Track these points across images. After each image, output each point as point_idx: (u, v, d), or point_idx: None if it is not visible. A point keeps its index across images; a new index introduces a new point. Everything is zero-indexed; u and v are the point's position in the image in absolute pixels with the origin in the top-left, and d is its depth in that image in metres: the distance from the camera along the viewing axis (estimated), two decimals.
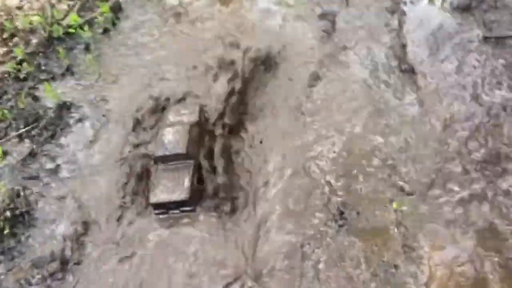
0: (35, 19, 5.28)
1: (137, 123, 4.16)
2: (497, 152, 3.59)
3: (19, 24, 5.58)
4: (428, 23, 4.65)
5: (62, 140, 4.34)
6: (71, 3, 5.84)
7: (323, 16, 4.94)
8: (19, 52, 5.06)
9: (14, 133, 4.41)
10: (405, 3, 4.89)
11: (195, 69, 4.50)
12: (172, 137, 3.66)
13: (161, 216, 3.54)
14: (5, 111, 4.57)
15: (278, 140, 3.91)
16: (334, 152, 3.78)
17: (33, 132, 4.41)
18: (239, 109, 4.01)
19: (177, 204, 3.49)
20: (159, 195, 3.49)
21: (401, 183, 3.52)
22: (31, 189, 4.00)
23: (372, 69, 4.33)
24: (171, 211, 3.51)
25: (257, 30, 4.84)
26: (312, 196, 3.55)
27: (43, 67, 5.08)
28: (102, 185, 3.91)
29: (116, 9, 5.63)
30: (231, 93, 3.98)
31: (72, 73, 4.98)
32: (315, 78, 4.34)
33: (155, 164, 3.69)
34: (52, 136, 4.36)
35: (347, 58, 4.48)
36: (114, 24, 5.41)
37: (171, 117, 3.91)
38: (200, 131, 3.78)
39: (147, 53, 4.97)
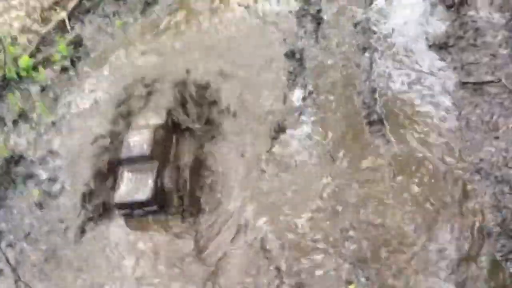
0: None
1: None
2: None
3: None
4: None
5: (8, 202, 3.99)
6: (31, 36, 5.47)
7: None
8: None
9: None
10: (378, 39, 4.45)
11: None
12: (137, 139, 3.67)
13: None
14: None
15: None
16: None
17: None
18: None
19: (141, 204, 3.49)
20: (123, 195, 3.50)
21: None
22: None
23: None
24: (135, 211, 3.52)
25: None
26: None
27: None
28: None
29: (77, 44, 5.25)
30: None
31: (26, 120, 4.62)
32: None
33: (121, 166, 3.68)
34: None
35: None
36: (73, 62, 5.03)
37: (138, 121, 3.93)
38: (166, 133, 3.78)
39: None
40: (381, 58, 4.28)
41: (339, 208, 3.39)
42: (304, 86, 4.22)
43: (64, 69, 4.96)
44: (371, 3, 4.76)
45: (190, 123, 3.94)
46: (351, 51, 4.39)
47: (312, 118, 4.01)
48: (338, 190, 3.47)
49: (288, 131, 3.95)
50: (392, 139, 3.66)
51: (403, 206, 3.29)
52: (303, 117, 4.05)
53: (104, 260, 3.49)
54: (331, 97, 4.14)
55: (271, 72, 4.37)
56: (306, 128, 3.95)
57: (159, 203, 3.54)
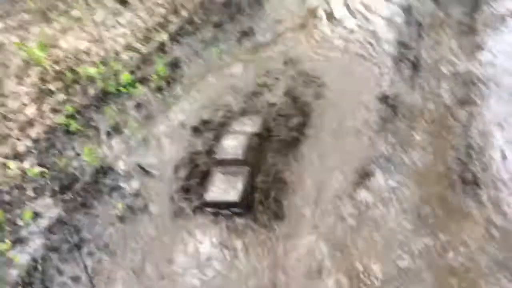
0: (92, 71, 5.16)
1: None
2: None
3: (80, 72, 5.53)
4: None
5: (93, 210, 4.12)
6: (132, 54, 5.72)
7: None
8: (69, 109, 4.96)
9: (48, 194, 4.27)
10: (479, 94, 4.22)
11: None
12: (232, 142, 3.88)
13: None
14: (45, 170, 4.45)
15: None
16: None
17: (66, 197, 4.24)
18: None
19: (228, 205, 3.65)
20: (213, 194, 3.68)
21: None
22: (51, 262, 3.81)
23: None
24: (222, 211, 3.66)
25: None
26: None
27: (92, 123, 4.95)
28: None
29: (174, 66, 5.42)
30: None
31: (119, 133, 4.79)
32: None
33: (214, 167, 3.87)
34: (83, 204, 4.16)
35: None
36: (168, 82, 5.19)
37: (234, 126, 4.16)
38: (260, 142, 3.96)
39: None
40: (481, 115, 4.04)
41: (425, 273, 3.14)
42: (394, 134, 4.05)
43: (159, 88, 5.11)
44: (474, 54, 4.54)
45: (283, 133, 4.12)
46: (449, 103, 4.19)
47: (401, 168, 3.83)
48: (423, 252, 3.25)
49: (373, 179, 3.80)
50: (488, 205, 3.40)
51: None
52: (390, 165, 3.88)
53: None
54: (423, 148, 3.95)
55: (361, 112, 4.25)
56: (392, 178, 3.78)
57: (246, 206, 3.66)
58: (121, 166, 4.41)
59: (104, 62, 5.26)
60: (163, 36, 5.72)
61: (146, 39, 5.96)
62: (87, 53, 6.04)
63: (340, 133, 4.11)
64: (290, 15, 5.28)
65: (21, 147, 4.95)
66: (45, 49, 5.51)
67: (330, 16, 5.34)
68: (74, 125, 4.81)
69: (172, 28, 5.91)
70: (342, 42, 4.97)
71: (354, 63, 4.72)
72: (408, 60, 4.61)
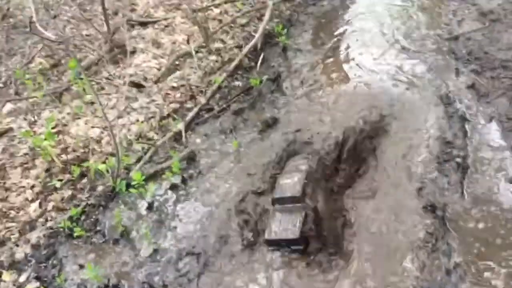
0: (101, 167, 4.62)
1: None
2: None
3: (90, 164, 5.00)
4: None
5: None
6: (146, 145, 5.21)
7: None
8: (74, 212, 4.39)
9: None
10: None
11: None
12: (289, 181, 3.85)
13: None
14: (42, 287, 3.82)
15: None
16: None
17: None
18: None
19: (288, 242, 3.62)
20: (273, 232, 3.66)
21: None
22: None
23: None
24: (282, 248, 3.64)
25: None
26: None
27: (98, 227, 4.36)
28: None
29: (190, 160, 4.87)
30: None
31: (127, 240, 4.18)
32: None
33: (273, 205, 3.86)
34: None
35: None
36: (183, 180, 4.62)
37: (290, 165, 4.12)
38: (317, 178, 3.90)
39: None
40: None
41: None
42: (448, 255, 3.38)
43: (173, 187, 4.54)
44: None
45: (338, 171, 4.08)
46: (505, 214, 3.53)
47: None
48: None
49: None
50: None
51: None
52: None
53: None
54: (484, 270, 3.26)
55: (405, 227, 3.61)
56: None
57: (305, 243, 3.63)
58: (127, 284, 3.76)
59: (114, 154, 4.72)
60: (179, 126, 5.20)
61: (161, 128, 5.46)
62: (98, 141, 5.55)
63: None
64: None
65: (19, 254, 4.35)
66: (53, 137, 5.03)
67: None
68: (78, 231, 4.21)
69: (189, 115, 5.40)
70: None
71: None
72: (454, 161, 3.97)
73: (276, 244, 3.67)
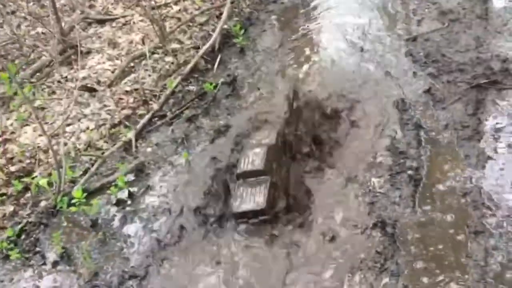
0: (43, 182, 4.32)
1: None
2: None
3: (32, 178, 4.70)
4: None
5: None
6: (94, 156, 4.92)
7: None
8: (11, 233, 4.10)
9: None
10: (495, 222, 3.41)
11: None
12: (251, 156, 3.92)
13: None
14: None
15: None
16: None
17: None
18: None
19: (255, 213, 3.68)
20: (240, 205, 3.73)
21: None
22: None
23: None
24: (250, 220, 3.70)
25: None
26: None
27: (38, 247, 4.08)
28: None
29: (139, 172, 4.60)
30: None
31: (68, 262, 3.92)
32: None
33: (237, 180, 3.92)
34: None
35: None
36: (131, 195, 4.36)
37: (251, 140, 4.19)
38: (277, 152, 4.00)
39: None
40: (499, 249, 3.21)
41: None
42: (397, 276, 3.20)
43: (120, 202, 4.28)
44: (484, 164, 3.76)
45: (299, 145, 4.19)
46: (460, 234, 3.37)
47: None
48: None
49: None
50: None
51: None
52: None
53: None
54: None
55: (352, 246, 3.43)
56: None
57: (271, 213, 3.71)
58: None
59: (60, 167, 4.43)
60: (129, 134, 4.92)
61: (111, 136, 5.17)
62: (45, 151, 5.23)
63: None
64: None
65: None
66: None
67: None
68: (15, 254, 3.93)
69: (140, 123, 5.12)
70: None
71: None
72: (406, 173, 3.78)
73: (244, 216, 3.73)
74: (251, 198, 3.75)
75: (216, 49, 6.10)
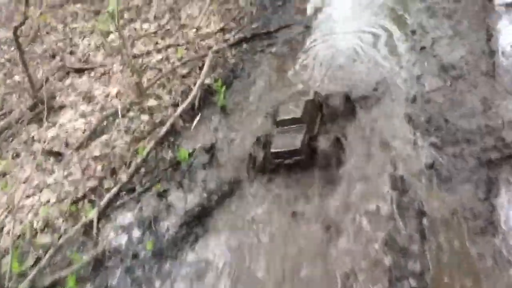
0: None
1: None
2: None
3: None
4: None
5: None
6: (50, 239, 4.20)
7: None
8: None
9: None
10: None
11: None
12: (291, 107, 4.30)
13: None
14: None
15: None
16: None
17: None
18: None
19: (291, 153, 4.00)
20: (278, 146, 4.06)
21: None
22: None
23: None
24: (285, 160, 4.01)
25: None
26: None
27: None
28: None
29: (97, 264, 3.87)
30: None
31: None
32: None
33: (277, 127, 4.27)
34: None
35: None
36: None
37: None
38: (314, 107, 4.36)
39: None
40: None
41: None
42: None
43: None
44: (487, 197, 3.03)
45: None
46: None
47: None
48: None
49: None
50: None
51: None
52: None
53: None
54: None
55: None
56: None
57: (305, 154, 4.00)
58: None
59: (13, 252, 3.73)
60: (91, 213, 4.21)
61: (72, 214, 4.46)
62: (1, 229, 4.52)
63: None
64: None
65: None
66: None
67: None
68: None
69: (106, 198, 4.41)
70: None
71: None
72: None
73: (280, 156, 4.02)
74: (288, 140, 4.06)
75: (196, 107, 5.43)
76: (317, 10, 6.90)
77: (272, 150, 4.02)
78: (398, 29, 5.70)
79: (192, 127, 5.07)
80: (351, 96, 4.60)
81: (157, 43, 7.23)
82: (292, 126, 4.13)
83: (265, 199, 3.88)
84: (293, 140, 4.02)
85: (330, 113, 4.47)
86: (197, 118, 5.19)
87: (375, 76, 4.94)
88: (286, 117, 4.19)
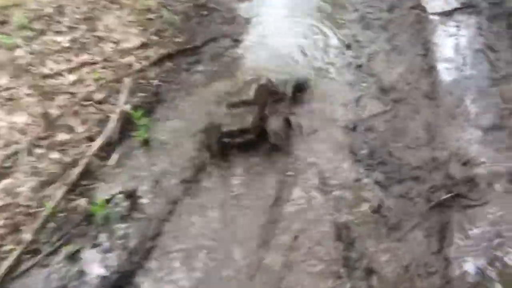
0: None
1: None
2: None
3: None
4: None
5: None
6: None
7: None
8: None
9: None
10: None
11: None
12: (244, 90, 4.44)
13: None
14: None
15: None
16: None
17: None
18: None
19: (241, 132, 4.11)
20: (229, 126, 4.15)
21: None
22: None
23: None
24: (236, 138, 4.12)
25: None
26: None
27: None
28: None
29: None
30: None
31: None
32: None
33: (229, 108, 4.34)
34: None
35: None
36: None
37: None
38: (265, 91, 4.49)
39: None
40: None
41: None
42: None
43: None
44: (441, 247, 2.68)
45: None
46: None
47: None
48: None
49: None
50: None
51: None
52: None
53: None
54: None
55: None
56: None
57: (255, 133, 4.13)
58: None
59: None
60: None
61: None
62: None
63: None
64: None
65: None
66: None
67: None
68: None
69: (4, 267, 3.65)
70: None
71: None
72: None
73: (231, 135, 4.09)
74: (239, 120, 4.13)
75: (114, 140, 4.73)
76: (246, 21, 6.34)
77: (224, 129, 4.09)
78: (332, 44, 5.26)
79: (111, 167, 4.36)
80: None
81: (70, 60, 6.36)
82: (243, 108, 4.22)
83: None
84: (244, 119, 4.11)
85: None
86: (116, 155, 4.48)
87: None
88: (238, 100, 4.31)
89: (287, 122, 4.28)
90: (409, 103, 4.26)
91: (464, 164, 3.52)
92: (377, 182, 3.61)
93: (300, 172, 3.79)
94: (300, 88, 4.71)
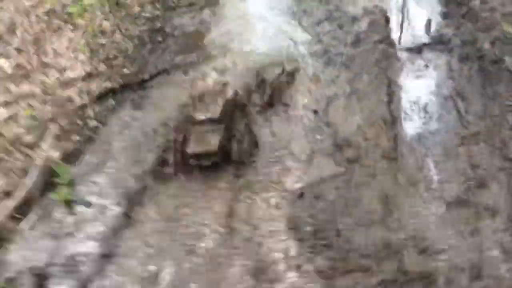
0: None
1: None
2: None
3: None
4: None
5: None
6: None
7: None
8: None
9: None
10: None
11: None
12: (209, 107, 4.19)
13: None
14: None
15: None
16: None
17: None
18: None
19: (207, 155, 3.93)
20: (194, 147, 3.96)
21: None
22: None
23: None
24: (202, 161, 3.94)
25: None
26: None
27: None
28: None
29: None
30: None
31: None
32: None
33: (194, 127, 4.12)
34: None
35: None
36: None
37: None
38: (232, 107, 4.22)
39: None
40: None
41: None
42: None
43: None
44: None
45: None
46: None
47: None
48: None
49: None
50: None
51: None
52: None
53: None
54: None
55: None
56: None
57: (223, 156, 3.95)
58: None
59: None
60: None
61: None
62: None
63: None
64: None
65: None
66: None
67: None
68: None
69: None
70: None
71: None
72: None
73: (197, 157, 3.94)
74: (206, 141, 3.94)
75: (35, 196, 4.11)
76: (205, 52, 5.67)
77: (189, 151, 3.98)
78: None
79: (25, 231, 3.73)
80: None
81: (9, 91, 5.72)
82: (210, 127, 4.07)
83: None
84: (211, 141, 3.96)
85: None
86: (34, 216, 3.85)
87: None
88: (203, 116, 4.13)
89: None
90: (366, 164, 3.67)
91: (422, 252, 2.93)
92: (320, 272, 2.99)
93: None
94: None
